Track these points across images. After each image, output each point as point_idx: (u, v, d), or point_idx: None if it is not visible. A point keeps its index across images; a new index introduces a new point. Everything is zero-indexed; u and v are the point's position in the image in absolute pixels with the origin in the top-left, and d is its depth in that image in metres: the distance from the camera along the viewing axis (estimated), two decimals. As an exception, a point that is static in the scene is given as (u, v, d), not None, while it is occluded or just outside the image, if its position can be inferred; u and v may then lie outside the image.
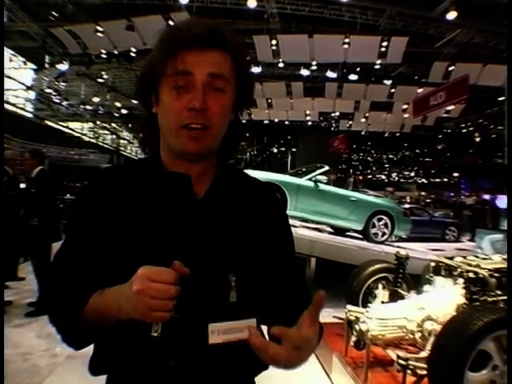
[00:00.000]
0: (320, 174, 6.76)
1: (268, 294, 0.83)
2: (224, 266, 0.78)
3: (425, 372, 2.44)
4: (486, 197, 17.08)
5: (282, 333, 0.66)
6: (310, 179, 6.65)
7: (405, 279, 3.64)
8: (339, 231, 7.36)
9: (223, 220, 0.82)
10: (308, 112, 19.25)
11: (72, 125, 24.91)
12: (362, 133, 23.71)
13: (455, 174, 35.91)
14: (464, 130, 25.23)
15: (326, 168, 6.91)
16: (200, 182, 0.83)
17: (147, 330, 0.69)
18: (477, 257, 3.47)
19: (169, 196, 0.79)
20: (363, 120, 19.42)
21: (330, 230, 7.63)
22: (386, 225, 7.04)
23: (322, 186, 6.67)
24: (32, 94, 19.72)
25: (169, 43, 0.77)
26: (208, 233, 0.80)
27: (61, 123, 23.08)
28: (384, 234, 7.05)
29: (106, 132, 28.92)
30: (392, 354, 2.95)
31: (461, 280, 3.06)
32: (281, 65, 13.27)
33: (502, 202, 13.66)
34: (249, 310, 0.73)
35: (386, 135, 25.74)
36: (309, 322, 0.66)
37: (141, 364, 0.76)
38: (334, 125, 25.79)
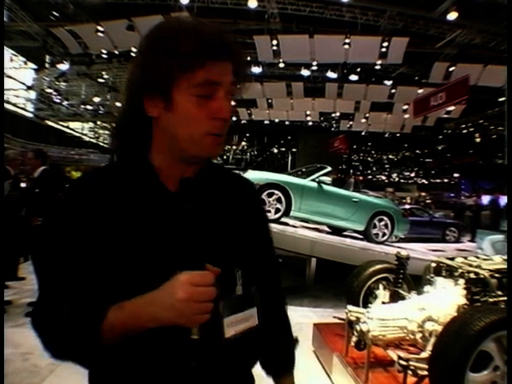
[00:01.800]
0: (323, 174, 6.77)
1: (260, 281, 0.87)
2: (229, 260, 0.80)
3: (426, 372, 2.44)
4: (485, 198, 17.07)
5: None
6: (313, 180, 6.66)
7: (405, 280, 3.64)
8: (336, 231, 7.37)
9: (221, 216, 0.84)
10: (308, 112, 19.26)
11: (72, 125, 24.94)
12: (363, 133, 23.73)
13: (455, 175, 35.88)
14: (464, 131, 25.24)
15: (329, 169, 6.93)
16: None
17: (184, 335, 0.69)
18: (477, 257, 3.47)
19: (183, 203, 0.78)
20: (363, 120, 19.42)
21: (327, 229, 7.64)
22: (386, 225, 7.12)
23: (325, 187, 6.68)
24: (32, 94, 19.74)
25: (192, 50, 0.73)
26: (212, 230, 0.81)
27: (61, 123, 23.11)
28: (384, 234, 7.15)
29: (106, 132, 28.89)
30: (393, 354, 2.94)
31: (462, 281, 3.05)
32: (281, 65, 13.28)
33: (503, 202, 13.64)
34: (250, 299, 0.79)
35: (387, 136, 25.80)
36: None
37: (161, 370, 0.75)
38: (334, 125, 25.79)
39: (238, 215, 0.87)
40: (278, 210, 6.19)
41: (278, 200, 6.18)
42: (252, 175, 6.28)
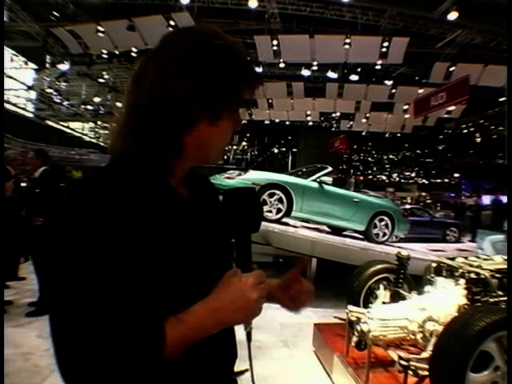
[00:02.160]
0: (324, 175, 6.77)
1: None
2: (227, 254, 0.85)
3: (426, 373, 2.44)
4: (486, 198, 17.06)
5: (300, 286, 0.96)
6: (314, 180, 6.66)
7: (406, 280, 3.64)
8: (336, 230, 7.37)
9: (212, 212, 0.89)
10: (309, 112, 19.25)
11: (73, 125, 24.95)
12: (363, 133, 23.72)
13: (456, 175, 35.86)
14: (465, 131, 25.21)
15: (330, 169, 6.93)
16: (183, 183, 0.85)
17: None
18: (478, 257, 3.47)
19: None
20: (364, 120, 19.41)
21: (327, 229, 7.64)
22: (386, 225, 7.15)
23: (326, 187, 6.68)
24: (33, 94, 19.75)
25: (252, 78, 0.84)
26: (212, 228, 0.85)
27: (62, 123, 23.12)
28: (385, 234, 7.17)
29: (106, 132, 28.89)
30: (393, 354, 2.94)
31: (462, 281, 3.05)
32: (282, 65, 13.28)
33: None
34: None
35: (387, 136, 25.78)
36: (298, 276, 0.96)
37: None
38: (334, 125, 25.77)
39: (218, 210, 0.91)
40: (279, 211, 6.19)
41: (280, 200, 6.17)
42: (253, 175, 6.28)
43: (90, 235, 0.64)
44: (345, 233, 7.56)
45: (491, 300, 2.90)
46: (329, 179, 6.77)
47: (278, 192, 6.14)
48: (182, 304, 0.68)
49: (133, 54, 12.81)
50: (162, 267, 0.68)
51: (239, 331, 0.84)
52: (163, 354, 0.64)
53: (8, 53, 15.88)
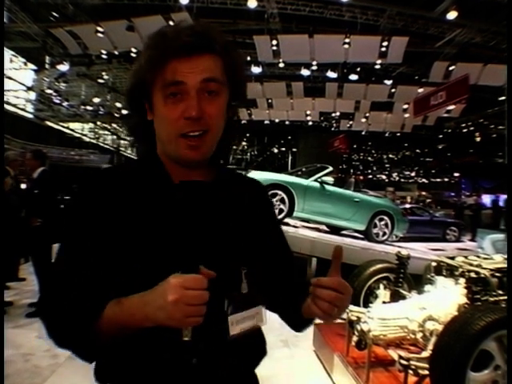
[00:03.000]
0: (325, 174, 6.76)
1: (269, 280, 0.90)
2: (236, 259, 0.82)
3: (426, 372, 2.44)
4: (486, 197, 17.06)
5: (319, 282, 0.76)
6: (316, 180, 6.65)
7: (406, 279, 3.64)
8: (335, 230, 7.37)
9: (229, 216, 0.85)
10: (308, 112, 19.24)
11: (72, 125, 24.90)
12: (363, 133, 23.69)
13: (456, 174, 35.86)
14: (464, 130, 25.18)
15: (330, 169, 6.93)
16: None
17: (175, 335, 0.69)
18: (478, 257, 3.47)
19: (189, 205, 0.79)
20: (364, 120, 19.40)
21: (326, 229, 7.63)
22: (386, 225, 7.18)
23: (327, 187, 6.68)
24: (32, 95, 19.72)
25: (157, 53, 0.76)
26: (219, 230, 0.83)
27: (61, 124, 23.07)
28: (384, 233, 7.20)
29: (106, 132, 28.87)
30: (393, 354, 2.95)
31: (462, 280, 3.05)
32: (281, 65, 13.27)
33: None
34: (256, 298, 0.80)
35: (387, 135, 25.75)
36: (336, 272, 0.79)
37: (162, 367, 0.76)
38: (334, 125, 25.77)
39: (247, 216, 0.89)
40: (281, 211, 6.17)
41: (281, 201, 6.15)
42: (254, 176, 6.23)
43: (69, 219, 0.81)
44: (345, 232, 7.57)
45: (491, 299, 2.90)
46: (330, 179, 6.78)
47: (279, 192, 6.12)
48: (135, 290, 0.71)
49: (132, 55, 12.80)
50: (120, 254, 0.75)
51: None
52: (97, 325, 0.71)
53: (7, 54, 15.87)
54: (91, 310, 0.72)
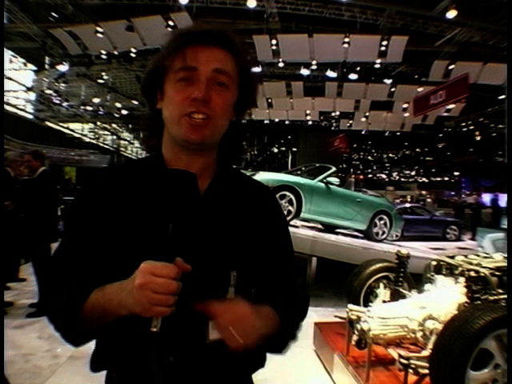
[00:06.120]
0: (329, 175, 6.75)
1: (259, 288, 0.88)
2: (226, 262, 0.80)
3: (426, 371, 2.44)
4: (486, 197, 17.05)
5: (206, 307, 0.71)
6: (321, 181, 6.65)
7: (406, 278, 3.65)
8: (329, 228, 7.34)
9: (224, 216, 0.84)
10: (308, 111, 19.22)
11: (72, 126, 24.88)
12: (363, 132, 23.66)
13: (456, 173, 35.87)
14: (464, 129, 25.15)
15: (334, 169, 6.92)
16: (201, 178, 0.83)
17: (147, 326, 0.68)
18: (478, 255, 3.47)
19: (172, 193, 0.76)
20: (363, 119, 19.39)
21: (319, 227, 7.61)
22: (385, 224, 7.28)
23: (332, 188, 6.68)
24: (32, 95, 19.70)
25: (176, 40, 0.80)
26: (210, 229, 0.82)
27: (61, 124, 23.07)
28: (384, 232, 7.27)
29: (106, 133, 28.86)
30: (393, 353, 2.96)
31: (462, 279, 3.06)
32: (281, 64, 13.24)
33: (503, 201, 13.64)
34: None
35: (387, 134, 25.67)
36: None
37: (140, 360, 0.77)
38: (334, 124, 25.71)
39: (246, 218, 0.87)
40: (289, 213, 6.10)
41: (289, 202, 6.10)
42: (263, 177, 6.13)
43: (68, 214, 0.87)
44: (346, 232, 7.58)
45: (491, 298, 2.90)
46: (336, 180, 6.77)
47: (288, 194, 6.07)
48: (116, 278, 0.73)
49: (132, 55, 12.81)
50: (111, 238, 0.79)
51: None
52: (83, 310, 0.75)
53: (7, 54, 15.85)
54: (78, 294, 0.76)
